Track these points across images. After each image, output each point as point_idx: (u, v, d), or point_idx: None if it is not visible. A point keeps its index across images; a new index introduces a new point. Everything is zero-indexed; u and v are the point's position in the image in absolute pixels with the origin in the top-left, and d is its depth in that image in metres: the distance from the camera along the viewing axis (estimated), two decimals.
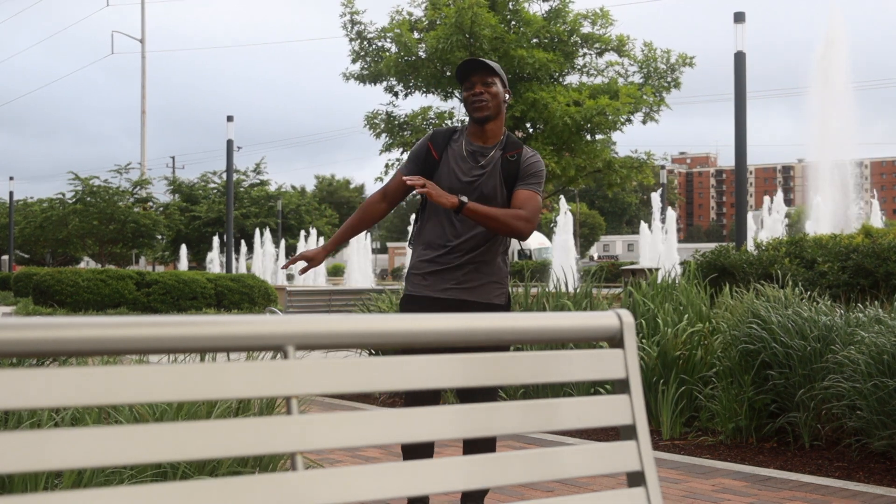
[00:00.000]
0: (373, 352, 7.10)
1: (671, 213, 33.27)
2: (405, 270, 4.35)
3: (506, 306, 3.90)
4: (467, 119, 3.97)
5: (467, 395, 3.72)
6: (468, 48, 15.32)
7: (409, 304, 3.87)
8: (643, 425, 1.88)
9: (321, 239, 43.20)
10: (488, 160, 3.84)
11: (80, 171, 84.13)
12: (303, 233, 41.59)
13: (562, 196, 27.46)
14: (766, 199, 30.40)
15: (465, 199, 3.65)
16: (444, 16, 15.38)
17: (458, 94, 16.63)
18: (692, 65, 16.57)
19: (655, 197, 34.21)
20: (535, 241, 44.17)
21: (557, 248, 28.62)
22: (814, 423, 5.52)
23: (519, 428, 1.76)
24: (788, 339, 5.54)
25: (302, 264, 4.08)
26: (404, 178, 3.69)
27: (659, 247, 29.88)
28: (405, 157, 16.61)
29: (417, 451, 3.73)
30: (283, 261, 42.64)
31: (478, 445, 3.66)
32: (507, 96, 3.95)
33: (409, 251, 4.17)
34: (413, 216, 4.13)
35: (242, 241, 43.71)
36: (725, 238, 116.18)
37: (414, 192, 3.73)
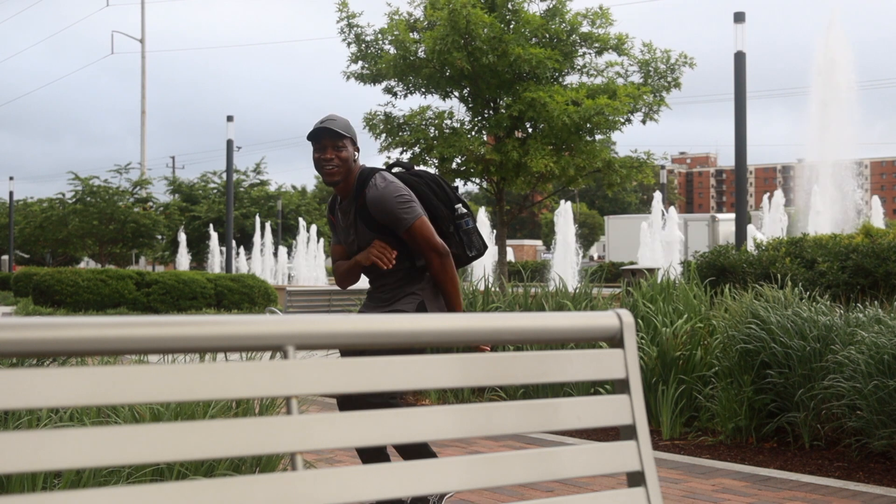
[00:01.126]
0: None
1: (673, 212, 33.22)
2: None
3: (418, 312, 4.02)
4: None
5: (348, 402, 3.81)
6: (465, 48, 15.30)
7: None
8: (643, 425, 1.88)
9: (321, 240, 43.16)
10: (349, 217, 4.02)
11: (82, 170, 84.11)
12: (303, 231, 41.56)
13: (567, 202, 27.41)
14: (767, 201, 30.34)
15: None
16: (441, 17, 15.36)
17: (456, 95, 16.62)
18: (692, 65, 16.56)
19: (657, 203, 34.05)
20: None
21: (557, 249, 28.61)
22: (814, 423, 5.52)
23: (519, 428, 1.76)
24: (788, 340, 5.54)
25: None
26: None
27: (658, 249, 29.87)
28: (406, 156, 16.60)
29: (374, 454, 3.80)
30: (283, 261, 42.61)
31: (414, 452, 3.72)
32: (357, 154, 4.06)
33: None
34: None
35: (242, 245, 43.70)
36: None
37: None
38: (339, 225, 4.09)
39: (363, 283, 4.28)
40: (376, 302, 4.08)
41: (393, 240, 3.93)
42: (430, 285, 4.00)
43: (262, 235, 41.26)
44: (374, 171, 3.99)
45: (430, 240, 3.86)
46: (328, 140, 3.90)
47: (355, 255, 4.00)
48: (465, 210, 4.09)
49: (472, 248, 4.09)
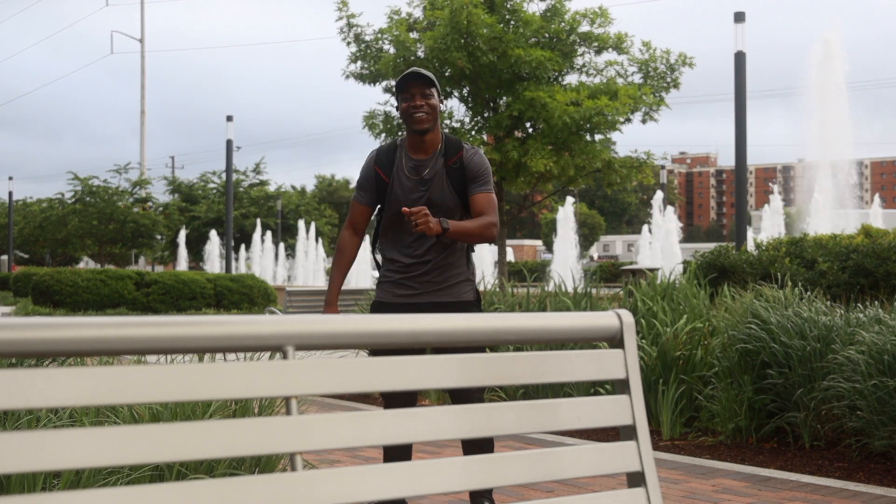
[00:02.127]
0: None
1: (672, 213, 33.30)
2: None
3: (476, 302, 4.00)
4: (404, 133, 4.07)
5: (458, 396, 3.79)
6: (465, 48, 15.30)
7: (381, 309, 3.99)
8: (643, 425, 1.87)
9: (320, 239, 43.14)
10: (430, 171, 3.92)
11: (82, 171, 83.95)
12: (302, 231, 41.57)
13: (569, 198, 27.50)
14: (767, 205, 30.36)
15: (447, 224, 3.74)
16: (440, 17, 15.37)
17: (456, 94, 16.63)
18: (692, 65, 16.56)
19: (657, 204, 34.12)
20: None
21: (558, 249, 28.65)
22: (814, 424, 5.52)
23: (519, 428, 1.76)
24: (788, 340, 5.54)
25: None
26: (405, 210, 3.68)
27: (659, 249, 29.92)
28: None
29: (398, 453, 3.82)
30: (282, 261, 42.62)
31: (477, 446, 3.70)
32: (442, 106, 4.03)
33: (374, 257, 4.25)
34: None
35: (242, 244, 43.69)
36: (725, 238, 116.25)
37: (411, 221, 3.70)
38: (398, 181, 3.92)
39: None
40: (421, 288, 3.92)
41: (461, 205, 3.93)
42: (473, 266, 4.06)
43: (263, 240, 41.29)
44: (458, 137, 4.06)
45: (497, 213, 3.92)
46: (416, 87, 3.84)
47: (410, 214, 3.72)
48: None
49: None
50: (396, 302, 3.94)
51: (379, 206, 4.06)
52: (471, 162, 3.90)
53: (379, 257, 4.14)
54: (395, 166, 3.95)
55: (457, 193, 3.90)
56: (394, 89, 3.95)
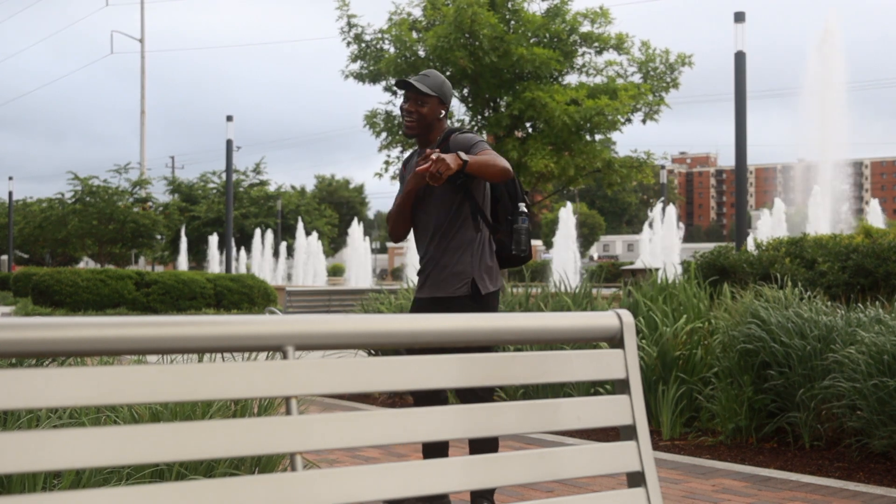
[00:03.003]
0: (372, 352, 7.10)
1: (672, 213, 33.28)
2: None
3: (470, 297, 3.96)
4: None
5: (465, 394, 3.85)
6: (467, 47, 15.31)
7: (413, 304, 4.22)
8: (643, 425, 1.88)
9: (321, 241, 43.12)
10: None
11: (84, 170, 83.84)
12: (302, 232, 41.57)
13: (569, 202, 27.56)
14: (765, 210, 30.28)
15: (466, 157, 3.71)
16: (443, 15, 15.38)
17: (457, 94, 16.63)
18: (691, 65, 16.57)
19: (657, 209, 34.07)
20: None
21: (558, 248, 28.66)
22: (814, 424, 5.52)
23: (519, 428, 1.76)
24: (788, 340, 5.54)
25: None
26: (418, 169, 3.75)
27: (659, 249, 29.92)
28: (405, 155, 16.64)
29: (435, 450, 3.91)
30: (283, 261, 42.57)
31: (482, 445, 3.74)
32: (443, 112, 4.05)
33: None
34: None
35: (243, 247, 43.69)
36: (725, 238, 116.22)
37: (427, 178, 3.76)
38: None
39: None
40: (425, 282, 4.05)
41: (457, 194, 3.93)
42: (478, 259, 3.98)
43: (263, 235, 41.30)
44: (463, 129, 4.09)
45: (500, 156, 3.85)
46: (411, 93, 3.94)
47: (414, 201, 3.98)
48: (525, 209, 4.10)
49: (518, 245, 4.05)
50: (416, 297, 4.14)
51: None
52: (456, 140, 3.94)
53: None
54: (411, 165, 4.12)
55: (448, 181, 3.87)
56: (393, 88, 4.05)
